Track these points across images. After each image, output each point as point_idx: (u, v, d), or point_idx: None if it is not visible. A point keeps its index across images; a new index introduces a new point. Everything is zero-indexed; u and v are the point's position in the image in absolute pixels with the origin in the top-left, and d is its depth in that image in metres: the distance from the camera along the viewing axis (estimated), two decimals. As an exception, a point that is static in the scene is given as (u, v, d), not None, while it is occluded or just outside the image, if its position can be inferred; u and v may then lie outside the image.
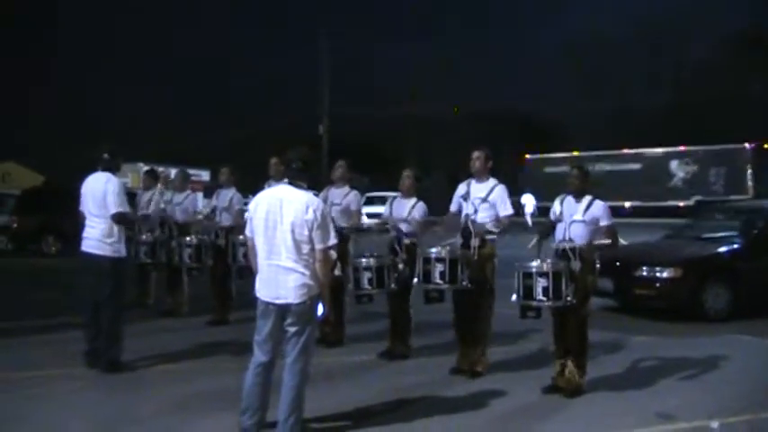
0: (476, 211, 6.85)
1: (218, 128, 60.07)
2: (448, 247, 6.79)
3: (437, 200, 8.73)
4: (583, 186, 6.53)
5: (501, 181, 6.97)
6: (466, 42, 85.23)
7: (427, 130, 54.52)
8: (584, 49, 59.28)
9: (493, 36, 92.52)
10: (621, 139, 44.07)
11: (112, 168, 7.10)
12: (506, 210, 6.86)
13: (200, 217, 10.04)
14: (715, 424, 5.61)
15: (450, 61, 65.92)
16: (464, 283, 6.73)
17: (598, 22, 68.45)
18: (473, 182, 7.02)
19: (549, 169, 40.27)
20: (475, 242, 6.76)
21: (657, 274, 9.96)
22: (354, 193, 8.17)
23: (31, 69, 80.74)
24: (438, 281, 6.73)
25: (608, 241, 6.39)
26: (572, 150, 42.92)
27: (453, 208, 7.17)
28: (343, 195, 8.05)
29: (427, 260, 6.81)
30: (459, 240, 6.89)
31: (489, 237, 6.82)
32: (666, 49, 57.05)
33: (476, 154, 7.02)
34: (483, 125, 50.28)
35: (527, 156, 43.82)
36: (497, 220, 6.84)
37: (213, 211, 9.61)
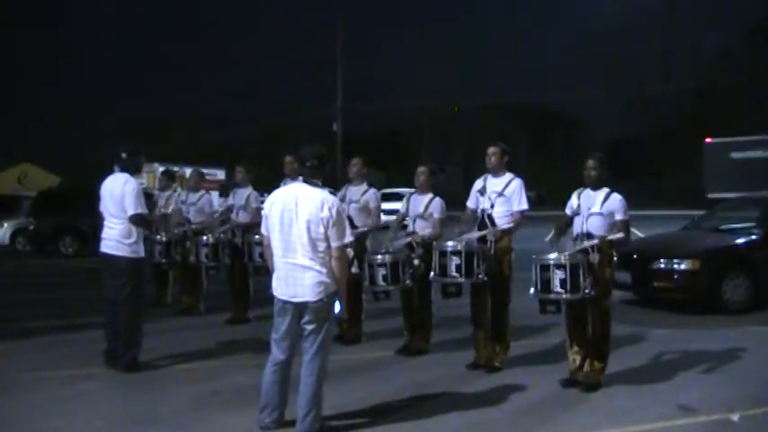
0: (492, 206, 6.82)
1: (230, 126, 60.19)
2: (464, 241, 6.77)
3: (454, 194, 8.69)
4: (600, 177, 6.47)
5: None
6: (479, 34, 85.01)
7: (443, 124, 54.34)
8: (599, 37, 58.70)
9: (511, 25, 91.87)
10: (642, 126, 43.46)
11: (131, 168, 7.11)
12: (521, 204, 6.83)
13: (216, 216, 10.09)
14: (736, 416, 5.57)
15: (465, 53, 65.75)
16: (480, 276, 6.72)
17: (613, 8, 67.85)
18: (489, 176, 6.99)
19: (736, 155, 34.38)
20: (491, 236, 6.74)
21: (676, 267, 9.88)
22: (373, 190, 8.13)
23: (44, 69, 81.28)
24: (454, 274, 6.71)
25: (621, 235, 6.32)
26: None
27: (470, 203, 7.14)
28: (361, 193, 8.02)
29: (443, 253, 6.80)
30: (475, 234, 6.87)
31: (506, 229, 6.79)
32: (685, 36, 56.36)
33: (491, 150, 6.98)
34: (499, 118, 50.11)
35: (707, 139, 36.45)
36: (512, 214, 6.82)
37: (230, 209, 9.63)
